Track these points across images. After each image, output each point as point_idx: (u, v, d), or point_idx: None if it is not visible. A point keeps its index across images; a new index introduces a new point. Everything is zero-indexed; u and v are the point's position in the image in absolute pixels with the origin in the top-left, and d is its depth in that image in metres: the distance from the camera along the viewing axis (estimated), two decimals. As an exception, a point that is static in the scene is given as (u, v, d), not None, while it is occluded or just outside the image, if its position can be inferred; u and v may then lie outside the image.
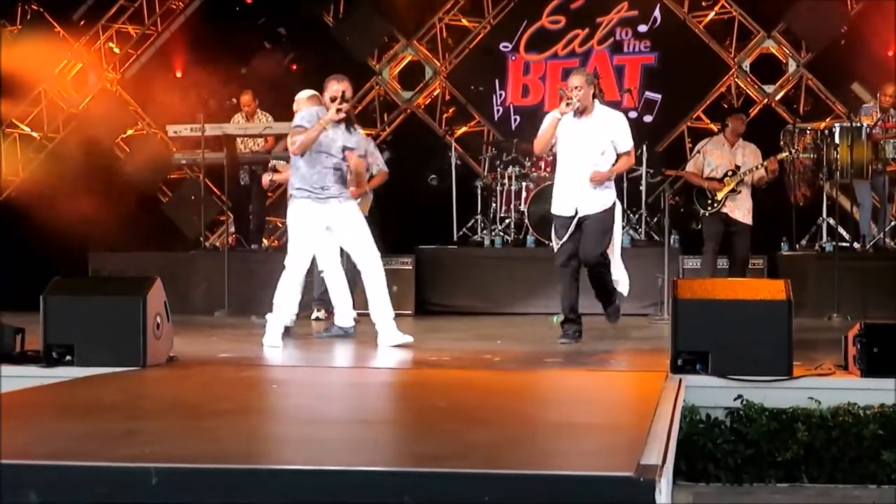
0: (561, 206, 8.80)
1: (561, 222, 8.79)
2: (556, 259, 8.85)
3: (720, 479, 6.20)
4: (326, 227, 8.75)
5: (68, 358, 6.84)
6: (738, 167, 11.36)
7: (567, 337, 8.80)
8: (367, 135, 12.78)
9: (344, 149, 8.67)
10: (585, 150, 8.69)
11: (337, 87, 8.61)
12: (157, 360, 6.96)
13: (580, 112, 8.64)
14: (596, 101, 8.79)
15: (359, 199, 11.09)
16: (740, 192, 11.35)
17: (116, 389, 6.01)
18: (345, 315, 9.22)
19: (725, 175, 11.37)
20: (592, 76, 8.94)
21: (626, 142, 8.80)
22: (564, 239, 8.72)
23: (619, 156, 8.81)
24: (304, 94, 9.58)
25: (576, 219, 8.69)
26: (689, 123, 14.79)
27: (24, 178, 15.20)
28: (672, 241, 11.99)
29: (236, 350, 8.56)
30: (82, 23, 15.63)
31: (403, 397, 6.16)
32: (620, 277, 8.96)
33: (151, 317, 6.88)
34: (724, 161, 11.46)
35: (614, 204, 8.80)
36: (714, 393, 6.35)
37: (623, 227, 12.64)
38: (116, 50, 15.77)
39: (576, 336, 8.81)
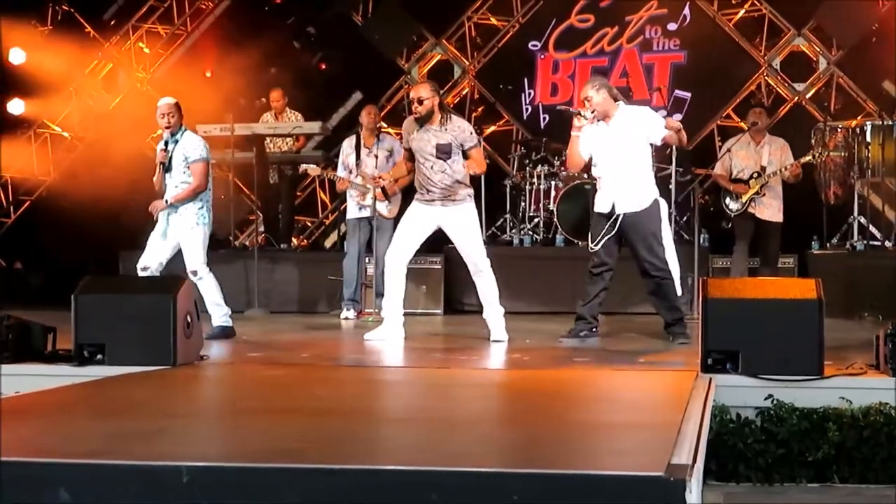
0: (599, 203, 8.78)
1: (598, 221, 8.72)
2: (591, 263, 8.75)
3: (751, 478, 6.17)
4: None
5: (99, 357, 6.87)
6: (763, 168, 11.33)
7: (572, 335, 8.81)
8: (397, 135, 12.82)
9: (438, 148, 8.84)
10: (617, 153, 8.68)
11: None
12: (188, 359, 6.98)
13: (603, 118, 8.69)
14: (620, 102, 8.80)
15: (389, 203, 11.15)
16: (765, 194, 11.31)
17: (147, 388, 6.04)
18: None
19: (751, 177, 11.34)
20: (603, 82, 8.90)
21: (658, 124, 8.75)
22: (601, 241, 8.62)
23: (663, 139, 8.80)
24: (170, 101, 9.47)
25: (615, 218, 8.62)
26: (718, 122, 14.74)
27: (55, 177, 15.28)
28: (702, 241, 11.95)
29: (266, 349, 8.59)
30: (112, 23, 15.71)
31: (433, 396, 6.16)
32: (675, 279, 8.83)
33: (181, 316, 6.90)
34: (749, 162, 11.44)
35: (655, 202, 8.71)
36: (744, 392, 6.32)
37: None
38: (146, 50, 15.83)
39: (582, 336, 8.80)
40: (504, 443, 4.26)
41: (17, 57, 14.89)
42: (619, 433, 4.53)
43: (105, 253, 13.33)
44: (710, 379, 6.17)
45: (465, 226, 8.90)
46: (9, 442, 4.10)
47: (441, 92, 9.18)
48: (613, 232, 8.61)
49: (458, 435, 4.46)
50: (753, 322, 6.47)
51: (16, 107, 15.17)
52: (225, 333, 9.10)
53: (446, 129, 8.82)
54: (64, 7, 15.46)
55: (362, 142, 11.48)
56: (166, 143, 9.26)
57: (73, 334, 6.95)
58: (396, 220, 11.24)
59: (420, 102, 8.81)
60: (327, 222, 15.51)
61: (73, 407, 5.38)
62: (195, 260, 9.12)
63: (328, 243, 15.31)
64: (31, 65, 14.84)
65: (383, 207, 11.26)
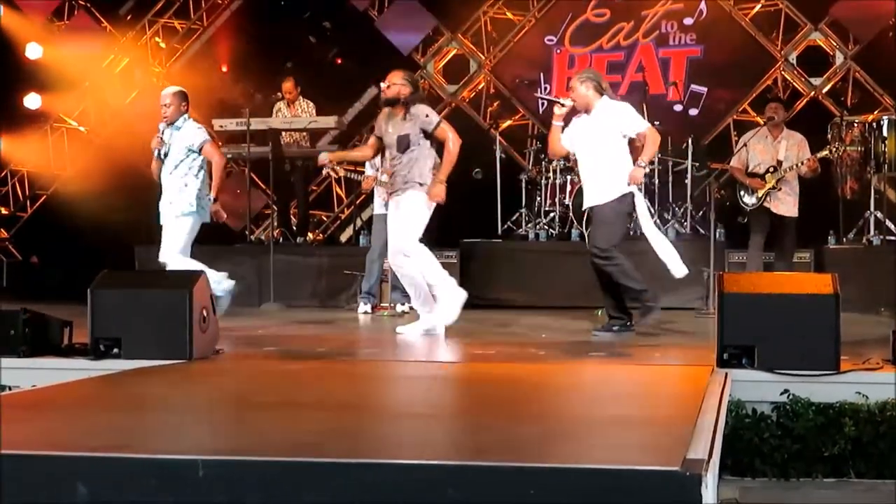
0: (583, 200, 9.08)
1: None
2: None
3: (766, 473, 6.16)
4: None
5: (115, 351, 6.88)
6: (780, 162, 11.29)
7: (603, 330, 8.86)
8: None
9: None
10: (589, 146, 8.88)
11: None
12: (203, 353, 6.99)
13: (585, 110, 8.86)
14: (605, 96, 8.88)
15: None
16: (780, 189, 11.27)
17: (163, 382, 6.05)
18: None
19: (767, 171, 11.31)
20: (591, 76, 9.04)
21: (634, 124, 8.88)
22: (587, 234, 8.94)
23: (634, 141, 8.94)
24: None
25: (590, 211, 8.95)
26: (734, 116, 14.71)
27: (72, 172, 15.33)
28: (718, 235, 11.93)
29: (282, 343, 8.59)
30: (129, 18, 15.75)
31: (449, 391, 6.16)
32: (668, 259, 8.84)
33: (197, 310, 6.90)
34: (766, 156, 11.39)
35: (625, 195, 8.75)
36: (760, 387, 6.30)
37: (668, 220, 12.64)
38: (162, 45, 15.87)
39: (613, 329, 8.83)
40: (520, 437, 4.25)
41: (33, 52, 14.95)
42: (635, 428, 4.53)
43: (121, 247, 13.37)
44: (726, 374, 6.16)
45: (400, 210, 8.80)
46: (26, 435, 4.12)
47: (419, 87, 9.07)
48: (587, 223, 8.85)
49: (473, 429, 4.46)
50: (769, 317, 6.45)
51: (32, 101, 15.24)
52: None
53: (405, 120, 8.73)
54: (80, 2, 15.51)
55: None
56: (162, 132, 9.47)
57: (90, 328, 6.96)
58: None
59: (388, 86, 8.74)
60: (343, 216, 15.52)
61: (89, 400, 5.39)
62: (170, 249, 9.31)
63: (344, 237, 15.33)
64: (47, 59, 14.89)
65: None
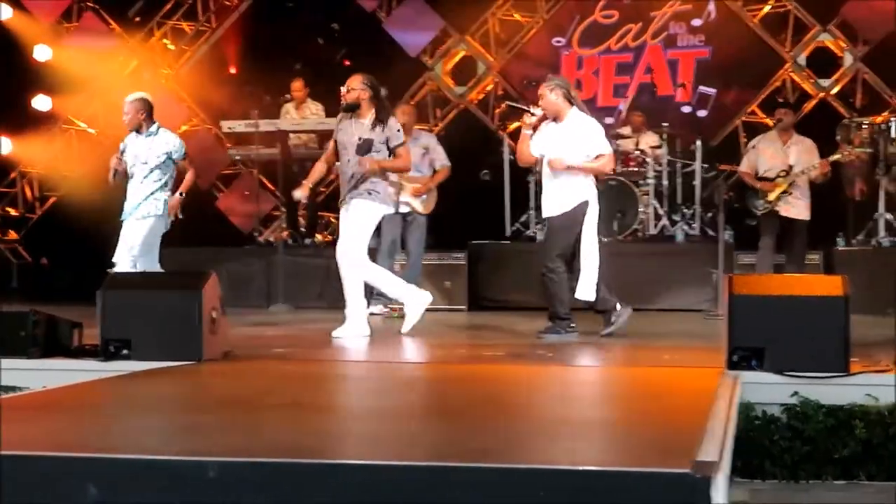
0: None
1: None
2: None
3: (776, 476, 6.15)
4: None
5: (125, 352, 6.88)
6: (791, 167, 11.28)
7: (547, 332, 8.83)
8: (428, 131, 12.82)
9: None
10: (555, 154, 8.76)
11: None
12: (213, 354, 6.99)
13: (554, 119, 8.81)
14: (574, 106, 8.84)
15: (424, 197, 11.15)
16: (791, 193, 11.25)
17: (173, 384, 6.06)
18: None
19: (778, 175, 11.29)
20: (560, 83, 8.97)
21: (600, 146, 8.83)
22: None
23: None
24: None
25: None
26: (743, 118, 14.70)
27: (81, 173, 15.33)
28: (726, 237, 11.91)
29: (291, 345, 8.60)
30: (137, 20, 15.76)
31: (457, 392, 6.16)
32: (583, 277, 8.74)
33: (207, 311, 6.91)
34: (776, 161, 11.38)
35: (581, 205, 8.72)
36: (770, 389, 6.29)
37: (677, 222, 12.63)
38: (171, 46, 15.89)
39: (556, 332, 8.78)
40: (529, 439, 4.25)
41: (42, 54, 14.98)
42: (645, 430, 4.52)
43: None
44: (736, 376, 6.15)
45: (349, 218, 8.85)
46: (36, 436, 4.13)
47: (381, 92, 9.06)
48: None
49: (479, 431, 4.46)
50: (779, 319, 6.44)
51: (41, 103, 15.26)
52: None
53: (373, 128, 8.78)
54: (89, 3, 15.53)
55: None
56: (123, 151, 9.50)
57: (100, 330, 6.97)
58: (430, 215, 11.27)
59: (348, 91, 8.79)
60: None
61: (99, 402, 5.41)
62: (125, 249, 9.19)
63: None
64: (56, 61, 14.91)
65: (418, 203, 11.25)
